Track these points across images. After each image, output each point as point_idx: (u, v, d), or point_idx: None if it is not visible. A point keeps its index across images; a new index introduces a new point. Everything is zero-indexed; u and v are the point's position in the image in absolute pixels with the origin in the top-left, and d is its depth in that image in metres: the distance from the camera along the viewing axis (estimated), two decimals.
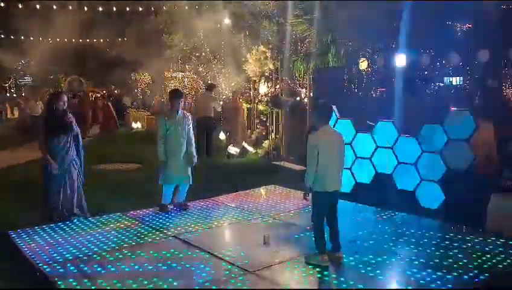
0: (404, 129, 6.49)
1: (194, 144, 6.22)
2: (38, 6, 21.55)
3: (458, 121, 5.82)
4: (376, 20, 9.32)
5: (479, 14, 9.01)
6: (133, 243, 4.80)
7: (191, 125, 6.22)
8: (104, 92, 29.16)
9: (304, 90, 13.34)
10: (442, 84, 9.63)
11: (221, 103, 14.45)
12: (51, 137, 5.43)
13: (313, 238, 4.32)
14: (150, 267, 4.16)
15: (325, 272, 4.06)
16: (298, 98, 13.15)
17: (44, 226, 5.30)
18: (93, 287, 3.73)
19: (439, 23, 9.72)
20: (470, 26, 9.88)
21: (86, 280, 3.85)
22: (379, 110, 8.45)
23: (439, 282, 3.82)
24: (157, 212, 6.04)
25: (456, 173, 5.80)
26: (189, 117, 6.25)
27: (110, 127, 17.17)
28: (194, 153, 6.18)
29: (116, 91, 29.84)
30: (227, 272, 4.02)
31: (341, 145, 4.38)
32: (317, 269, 4.11)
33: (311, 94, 10.52)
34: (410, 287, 3.75)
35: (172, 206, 6.24)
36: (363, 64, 11.97)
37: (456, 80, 8.35)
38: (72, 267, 4.13)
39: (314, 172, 4.15)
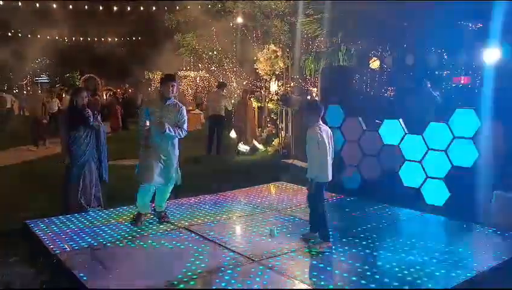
0: (410, 127, 6.60)
1: (182, 130, 5.22)
2: (54, 6, 21.98)
3: (463, 119, 5.91)
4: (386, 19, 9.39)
5: (490, 12, 9.03)
6: (145, 233, 5.01)
7: (185, 118, 5.26)
8: (119, 90, 29.58)
9: (314, 89, 13.48)
10: (453, 84, 9.67)
11: (232, 101, 14.66)
12: (72, 130, 5.68)
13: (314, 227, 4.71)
14: (160, 256, 4.36)
15: (328, 262, 4.22)
16: (309, 97, 13.29)
17: (60, 216, 5.54)
18: (106, 274, 3.94)
19: (450, 22, 9.74)
20: (481, 25, 9.89)
21: (100, 267, 4.07)
22: (389, 109, 8.58)
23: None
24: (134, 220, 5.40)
25: (461, 170, 5.89)
26: (182, 109, 5.27)
27: (113, 126, 17.47)
28: (171, 129, 5.07)
29: (130, 90, 30.25)
30: (233, 261, 4.20)
31: (332, 138, 4.76)
32: (321, 259, 4.27)
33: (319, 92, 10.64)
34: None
35: (151, 212, 5.59)
36: (375, 64, 12.06)
37: (464, 80, 8.39)
38: (87, 255, 4.35)
39: (318, 163, 4.48)
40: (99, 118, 6.00)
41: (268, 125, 13.14)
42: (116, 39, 30.01)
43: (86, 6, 22.48)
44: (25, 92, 32.12)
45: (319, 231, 4.61)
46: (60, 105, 18.32)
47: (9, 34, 27.68)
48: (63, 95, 21.42)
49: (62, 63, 33.52)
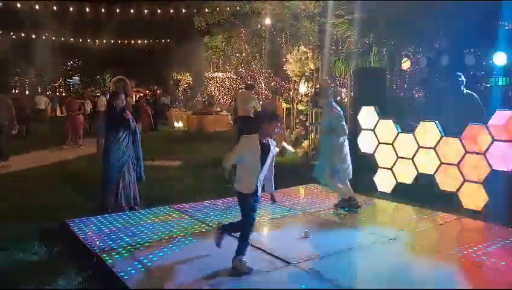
0: (447, 129, 6.45)
1: None
2: (87, 10, 22.51)
3: (503, 121, 5.75)
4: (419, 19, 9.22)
5: None
6: (181, 234, 5.06)
7: None
8: (147, 91, 30.07)
9: (344, 90, 13.37)
10: (488, 85, 9.41)
11: (260, 102, 14.70)
12: (111, 131, 5.83)
13: None
14: (195, 255, 4.41)
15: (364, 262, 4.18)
16: (338, 98, 13.19)
17: (99, 216, 5.67)
18: (146, 273, 4.01)
19: (485, 21, 9.48)
20: None
21: (139, 266, 4.14)
22: (422, 110, 8.42)
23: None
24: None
25: (500, 173, 5.73)
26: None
27: (144, 127, 17.74)
28: None
29: (158, 91, 30.73)
30: (269, 263, 4.20)
31: None
32: (356, 262, 4.23)
33: (352, 94, 10.55)
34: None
35: None
36: (406, 64, 11.86)
37: (502, 81, 8.16)
38: (125, 254, 4.44)
39: None
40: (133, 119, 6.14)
41: (297, 126, 13.09)
42: (145, 41, 30.52)
43: (118, 10, 22.92)
44: (57, 93, 33.04)
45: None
46: (91, 107, 18.82)
47: (43, 37, 28.54)
48: (98, 95, 21.93)
49: (93, 65, 34.37)
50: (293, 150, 11.76)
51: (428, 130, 6.54)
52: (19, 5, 20.93)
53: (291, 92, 13.19)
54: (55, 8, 22.14)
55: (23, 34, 27.19)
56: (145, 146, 8.29)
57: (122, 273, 3.93)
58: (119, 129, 5.84)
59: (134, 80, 29.87)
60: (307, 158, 10.98)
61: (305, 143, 11.69)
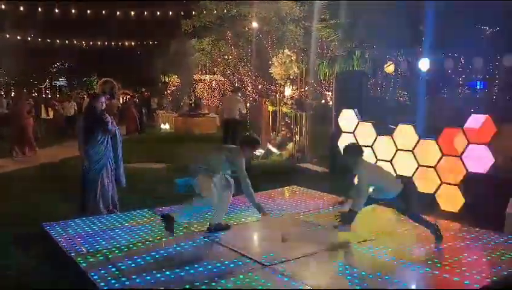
0: (424, 132, 6.55)
1: None
2: (74, 11, 22.38)
3: (478, 125, 5.85)
4: (401, 24, 9.34)
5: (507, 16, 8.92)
6: (158, 237, 5.06)
7: None
8: (135, 94, 29.93)
9: (328, 93, 13.47)
10: (467, 89, 9.57)
11: (247, 104, 14.73)
12: (91, 135, 5.81)
13: None
14: (173, 260, 4.41)
15: (340, 264, 4.22)
16: (323, 101, 13.29)
17: (76, 219, 5.64)
18: (121, 277, 4.00)
19: (466, 26, 9.63)
20: (498, 29, 9.79)
21: (114, 270, 4.13)
22: (401, 113, 8.53)
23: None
24: None
25: (476, 176, 5.83)
26: None
27: (130, 129, 17.72)
28: None
29: (146, 93, 30.61)
30: (245, 266, 4.22)
31: None
32: (333, 264, 4.27)
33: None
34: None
35: None
36: (390, 68, 11.98)
37: (479, 85, 8.31)
38: (101, 258, 4.43)
39: None
40: (114, 122, 6.12)
41: (282, 129, 13.14)
42: (133, 43, 30.40)
43: (104, 11, 22.84)
44: (43, 95, 32.74)
45: None
46: (76, 108, 18.72)
47: (29, 38, 28.29)
48: (85, 98, 21.80)
49: (80, 66, 34.13)
50: (278, 152, 11.82)
51: (406, 133, 6.63)
52: (3, 6, 20.74)
53: (277, 95, 13.24)
54: (40, 9, 21.95)
55: (7, 35, 26.90)
56: (130, 148, 8.30)
57: (96, 277, 3.92)
58: (98, 132, 5.83)
59: (121, 81, 29.71)
60: (292, 160, 11.05)
61: (290, 145, 11.75)
